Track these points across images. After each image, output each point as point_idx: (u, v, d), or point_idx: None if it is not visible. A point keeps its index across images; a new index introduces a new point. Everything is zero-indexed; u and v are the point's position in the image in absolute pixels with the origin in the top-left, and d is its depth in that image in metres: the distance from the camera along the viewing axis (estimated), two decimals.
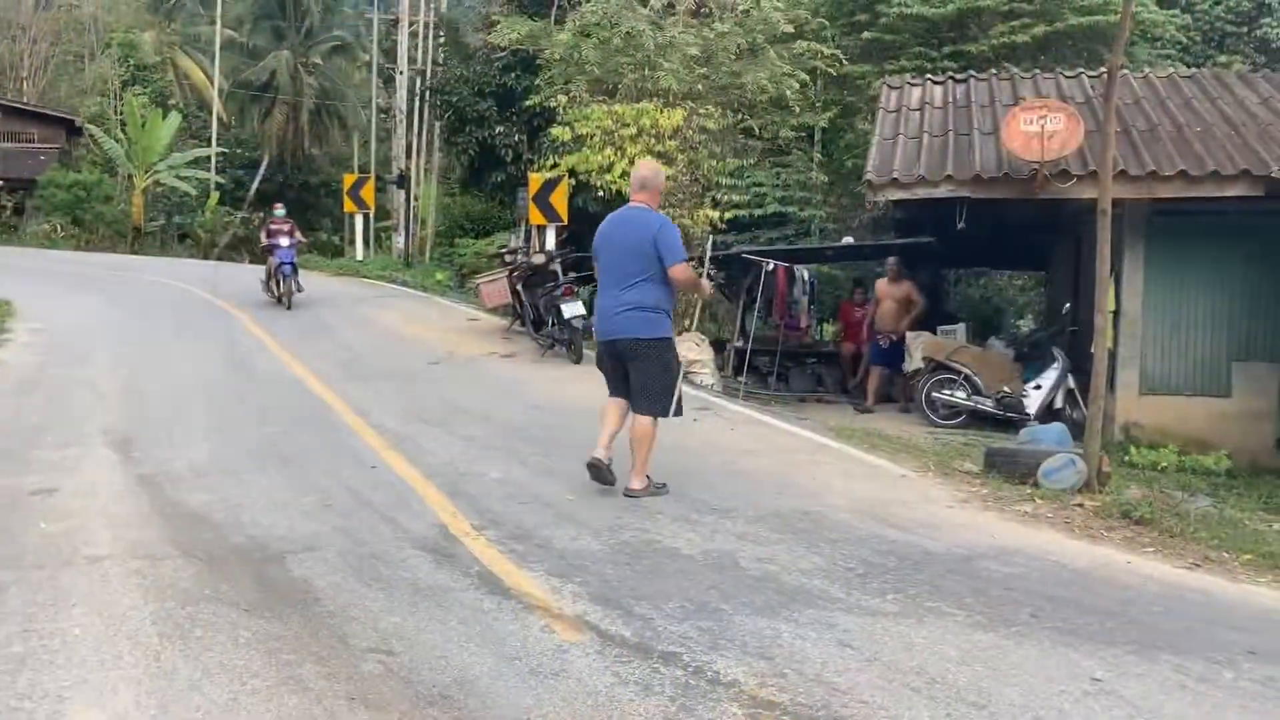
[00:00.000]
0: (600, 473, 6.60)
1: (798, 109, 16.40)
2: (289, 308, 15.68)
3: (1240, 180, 10.70)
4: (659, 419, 6.57)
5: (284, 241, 16.27)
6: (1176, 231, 11.40)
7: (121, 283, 19.40)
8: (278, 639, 4.28)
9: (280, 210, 17.15)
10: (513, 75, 21.89)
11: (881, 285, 13.99)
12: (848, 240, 17.15)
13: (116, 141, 33.56)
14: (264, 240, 16.78)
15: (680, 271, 6.59)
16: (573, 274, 14.76)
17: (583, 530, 5.86)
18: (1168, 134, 11.69)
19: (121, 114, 35.51)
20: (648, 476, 6.63)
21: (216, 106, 40.07)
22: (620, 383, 6.74)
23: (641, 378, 6.59)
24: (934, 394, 12.40)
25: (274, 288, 16.44)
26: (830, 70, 16.98)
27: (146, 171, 32.91)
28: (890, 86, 14.29)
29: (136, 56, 39.57)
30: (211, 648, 4.18)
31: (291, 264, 16.13)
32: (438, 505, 6.30)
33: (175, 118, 34.53)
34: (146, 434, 8.11)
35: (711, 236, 13.26)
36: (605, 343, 6.78)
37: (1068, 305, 13.13)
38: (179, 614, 4.51)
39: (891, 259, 13.91)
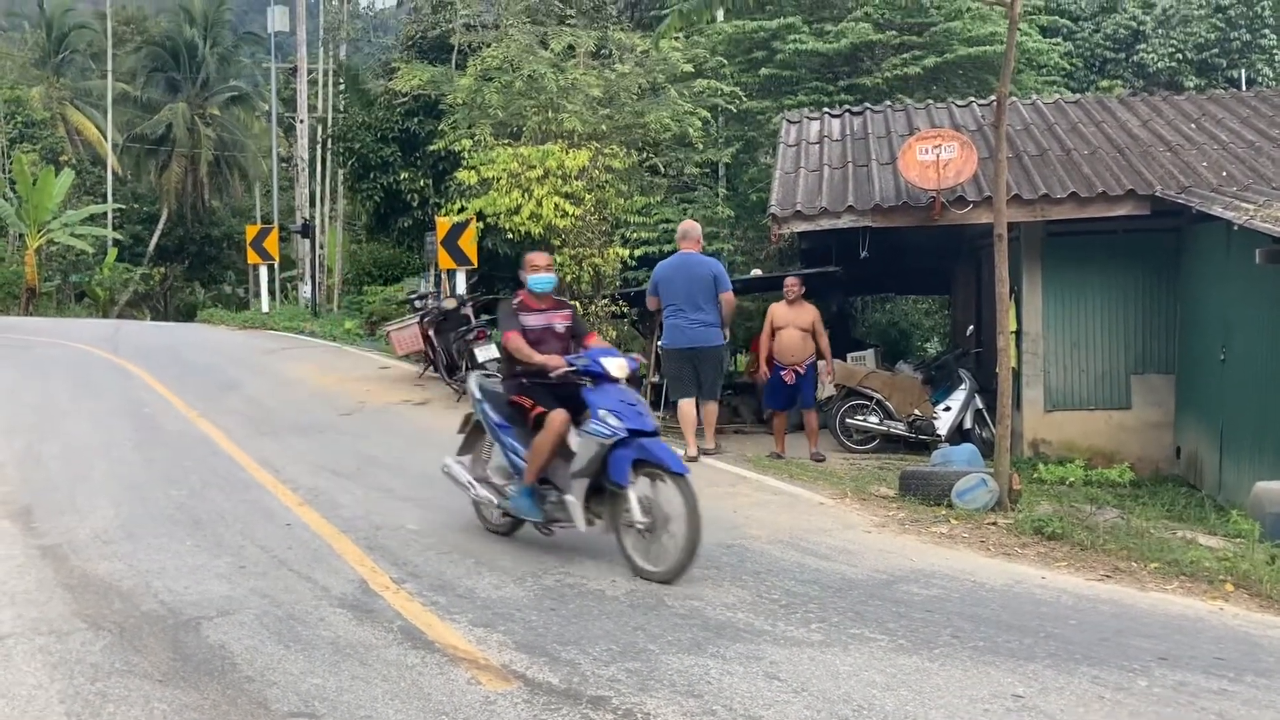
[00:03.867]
0: (695, 461, 8.99)
1: (701, 146, 16.61)
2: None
3: (1127, 200, 11.11)
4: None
5: (613, 367, 6.13)
6: (1071, 251, 11.78)
7: (14, 345, 18.77)
8: (195, 709, 4.15)
9: (545, 277, 6.74)
10: (415, 120, 21.86)
11: (780, 310, 11.20)
12: (756, 272, 17.36)
13: (5, 201, 32.62)
14: (524, 349, 6.42)
15: (731, 296, 9.80)
16: (484, 317, 14.69)
17: (505, 578, 5.81)
18: (1057, 158, 12.10)
19: (10, 172, 34.53)
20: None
21: (111, 161, 39.23)
22: (691, 383, 9.66)
23: (711, 373, 9.68)
24: (847, 420, 12.58)
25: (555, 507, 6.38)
26: (730, 107, 17.23)
27: (39, 230, 32.02)
28: (789, 121, 14.58)
29: (24, 113, 38.58)
30: None
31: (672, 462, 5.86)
32: (355, 560, 6.19)
33: (68, 174, 33.70)
34: (47, 502, 7.83)
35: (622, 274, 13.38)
36: (684, 350, 9.65)
37: (971, 327, 13.46)
38: (88, 690, 4.36)
39: (790, 279, 11.47)
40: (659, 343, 10.03)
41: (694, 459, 9.12)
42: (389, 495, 7.92)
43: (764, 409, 12.56)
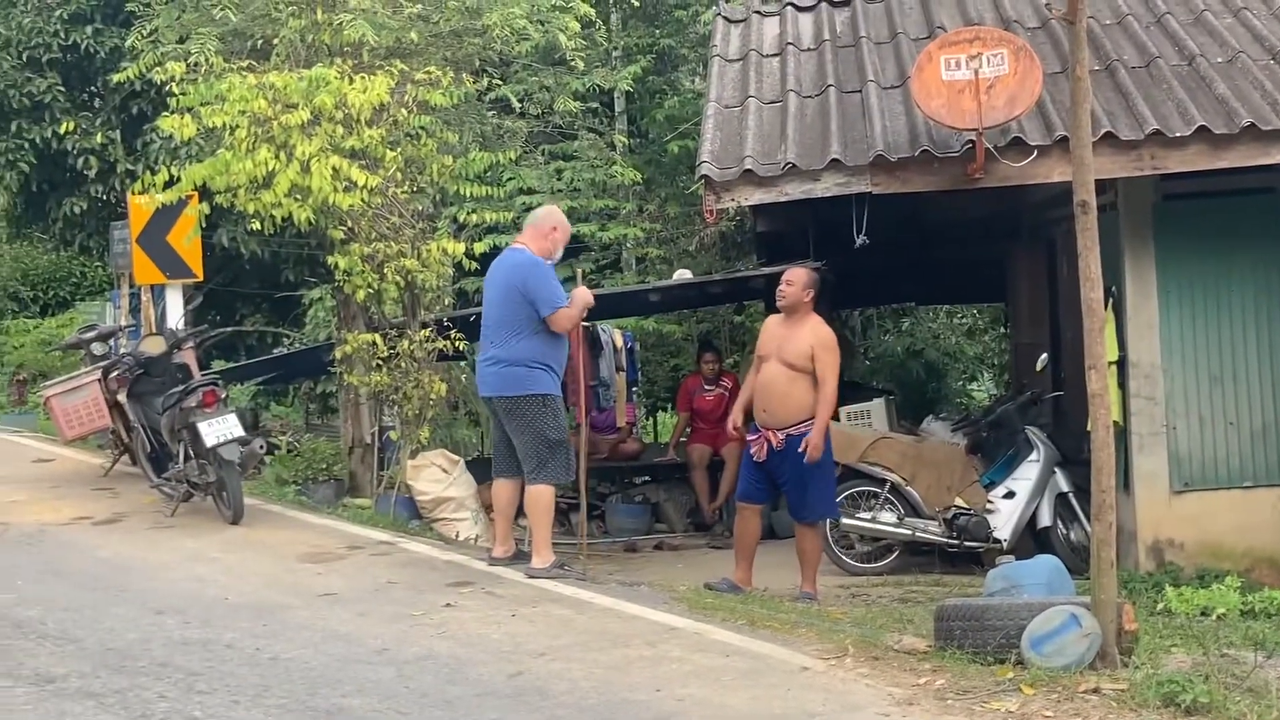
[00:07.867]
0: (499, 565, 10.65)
1: (581, 64, 16.61)
2: None
3: None
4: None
5: None
6: (1203, 227, 11.97)
7: None
8: None
9: None
10: (88, 31, 21.60)
11: (769, 327, 11.22)
12: (683, 274, 17.42)
13: None
14: None
15: (561, 318, 10.39)
16: (218, 365, 14.44)
17: None
18: (1173, 70, 12.29)
19: None
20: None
21: None
22: (504, 452, 10.71)
23: (521, 439, 10.37)
24: (844, 520, 12.54)
25: None
26: None
27: None
28: (728, 19, 14.67)
29: None
30: None
31: None
32: None
33: None
34: None
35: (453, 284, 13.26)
36: (485, 399, 11.13)
37: (1044, 356, 13.60)
38: None
39: (793, 272, 11.19)
40: None
41: (496, 560, 10.59)
42: (52, 690, 7.66)
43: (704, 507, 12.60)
